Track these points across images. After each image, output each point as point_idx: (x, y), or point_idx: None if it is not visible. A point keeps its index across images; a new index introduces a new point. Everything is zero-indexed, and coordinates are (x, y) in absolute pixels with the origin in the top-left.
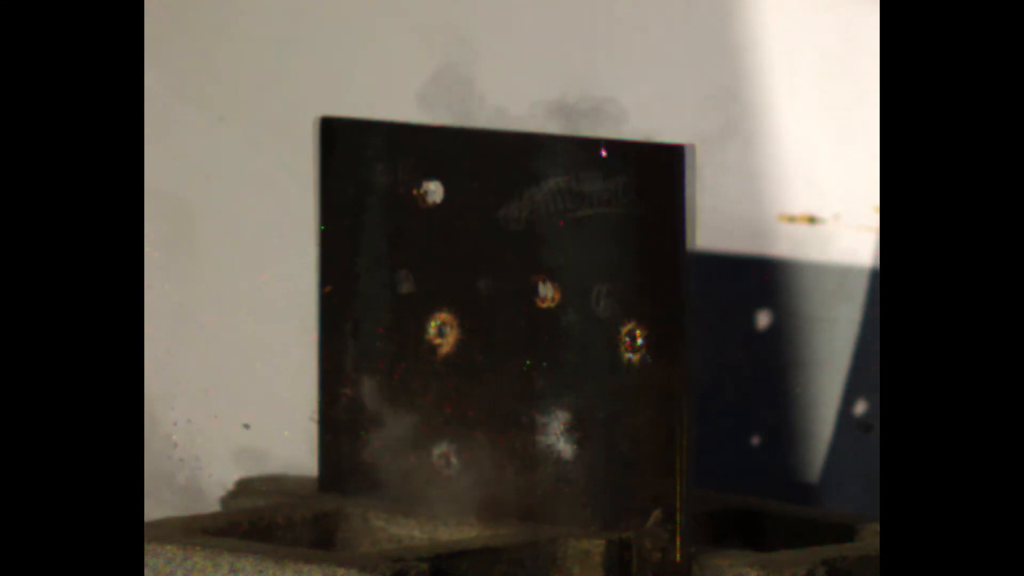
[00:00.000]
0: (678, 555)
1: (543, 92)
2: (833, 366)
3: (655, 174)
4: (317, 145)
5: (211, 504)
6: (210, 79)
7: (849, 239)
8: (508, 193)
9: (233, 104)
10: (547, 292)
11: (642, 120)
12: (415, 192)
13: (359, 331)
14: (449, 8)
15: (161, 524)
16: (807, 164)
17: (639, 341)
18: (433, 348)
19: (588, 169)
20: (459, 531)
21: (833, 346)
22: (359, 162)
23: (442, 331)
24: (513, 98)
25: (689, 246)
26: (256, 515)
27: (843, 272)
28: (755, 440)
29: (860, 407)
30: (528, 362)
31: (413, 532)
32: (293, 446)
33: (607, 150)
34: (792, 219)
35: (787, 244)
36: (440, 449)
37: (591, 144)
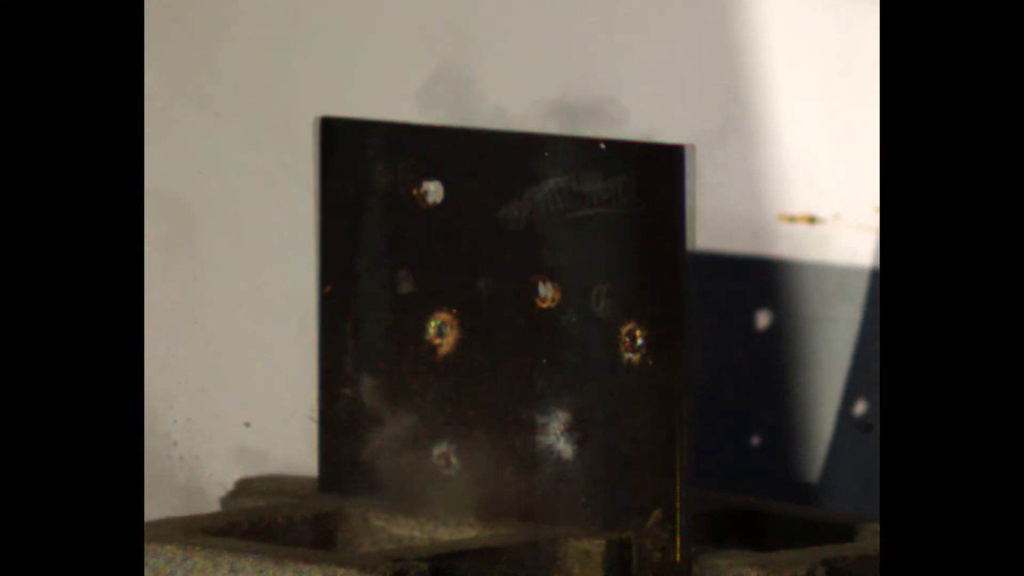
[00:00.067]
0: (678, 555)
1: (543, 92)
2: (833, 366)
3: (655, 174)
4: (317, 145)
5: (211, 504)
6: (210, 79)
7: (849, 239)
8: (508, 193)
9: (233, 104)
10: (547, 292)
11: (642, 120)
12: (415, 192)
13: (359, 331)
14: (449, 8)
15: (161, 524)
16: (807, 164)
17: (639, 341)
18: (433, 348)
19: (588, 169)
20: (459, 531)
21: (833, 346)
22: (359, 162)
23: (442, 331)
24: (513, 98)
25: (689, 246)
26: (256, 515)
27: (843, 272)
28: (755, 440)
29: (860, 407)
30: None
31: (413, 532)
32: (293, 446)
33: (606, 145)
34: (792, 219)
35: (787, 244)
36: (440, 449)
37: (591, 144)
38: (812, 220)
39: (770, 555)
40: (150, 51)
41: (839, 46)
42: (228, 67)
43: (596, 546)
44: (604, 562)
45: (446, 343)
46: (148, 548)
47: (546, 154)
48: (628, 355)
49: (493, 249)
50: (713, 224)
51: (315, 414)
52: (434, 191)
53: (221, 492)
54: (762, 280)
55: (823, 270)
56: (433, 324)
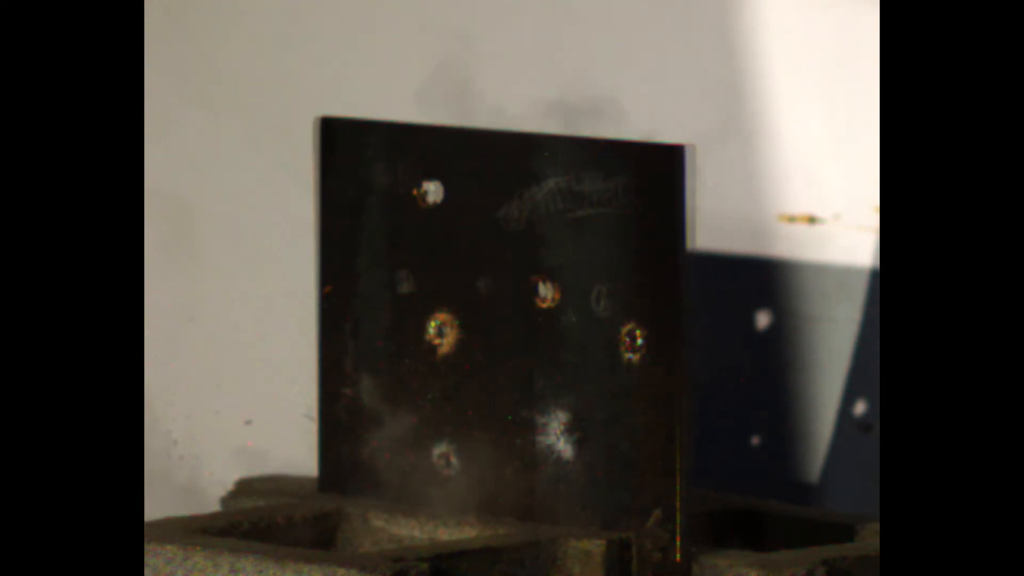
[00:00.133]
0: (678, 555)
1: (543, 91)
2: (833, 366)
3: (655, 174)
4: (317, 145)
5: (211, 504)
6: (210, 79)
7: (849, 239)
8: (508, 193)
9: (233, 104)
10: (547, 292)
11: (642, 120)
12: (415, 192)
13: (359, 331)
14: (448, 7)
15: (161, 524)
16: (807, 164)
17: (639, 341)
18: (433, 348)
19: (588, 169)
20: (459, 531)
21: (833, 346)
22: (359, 162)
23: (442, 331)
24: (512, 97)
25: (688, 246)
26: (256, 515)
27: (843, 272)
28: (755, 440)
29: (860, 407)
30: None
31: (413, 532)
32: (293, 446)
33: (606, 143)
34: (792, 219)
35: (787, 244)
36: (440, 449)
37: (591, 144)
38: (812, 220)
39: (770, 555)
40: (150, 51)
41: (839, 46)
42: (228, 67)
43: (596, 546)
44: (604, 562)
45: (446, 343)
46: (148, 548)
47: (546, 154)
48: (628, 355)
49: (493, 249)
50: (713, 224)
51: (312, 412)
52: (434, 191)
53: (221, 492)
54: (762, 280)
55: (823, 270)
56: (433, 324)
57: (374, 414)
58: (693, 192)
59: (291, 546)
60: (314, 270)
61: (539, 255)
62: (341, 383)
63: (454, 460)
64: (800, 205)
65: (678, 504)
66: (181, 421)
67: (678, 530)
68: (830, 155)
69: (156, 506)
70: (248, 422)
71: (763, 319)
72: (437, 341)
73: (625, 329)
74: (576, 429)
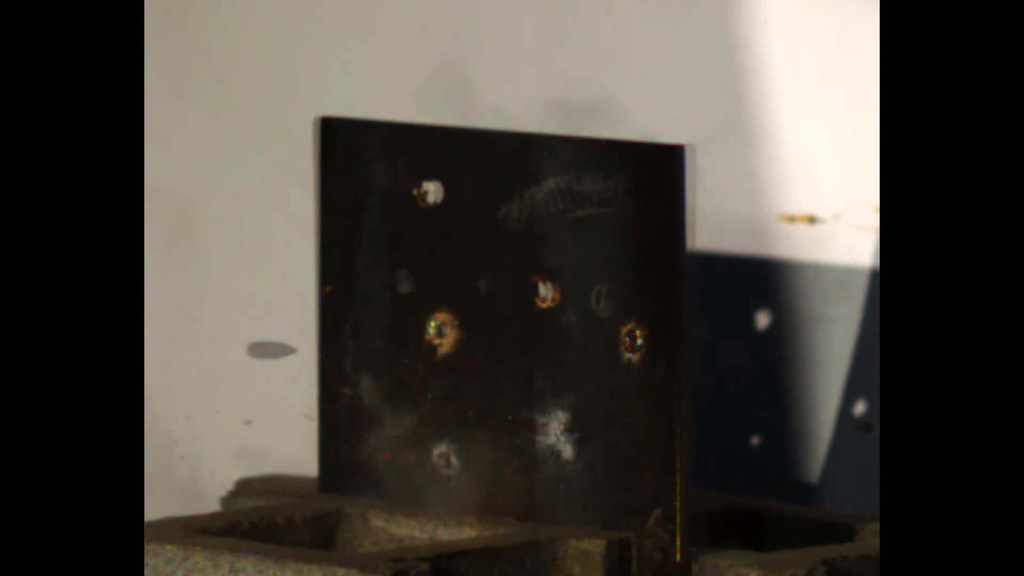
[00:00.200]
0: (678, 555)
1: (542, 91)
2: (833, 366)
3: (654, 174)
4: (317, 145)
5: (211, 504)
6: (210, 79)
7: (849, 239)
8: (508, 193)
9: (233, 104)
10: (547, 292)
11: (642, 120)
12: (414, 192)
13: (359, 331)
14: (448, 7)
15: (161, 524)
16: (807, 164)
17: (639, 341)
18: (433, 348)
19: (588, 169)
20: (459, 531)
21: (833, 346)
22: (359, 162)
23: (442, 331)
24: (512, 97)
25: (688, 246)
26: (256, 515)
27: (843, 272)
28: (755, 440)
29: (860, 407)
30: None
31: (413, 532)
32: (293, 446)
33: (606, 143)
34: (792, 219)
35: (787, 244)
36: (440, 449)
37: (591, 144)
38: (812, 220)
39: (770, 555)
40: (150, 51)
41: (839, 46)
42: (228, 67)
43: (596, 546)
44: (604, 562)
45: (446, 343)
46: (148, 548)
47: (545, 154)
48: (628, 355)
49: (493, 249)
50: (713, 224)
51: (312, 412)
52: (434, 191)
53: (221, 492)
54: (762, 280)
55: (823, 270)
56: (433, 324)
57: (374, 414)
58: (693, 192)
59: (291, 546)
60: (314, 270)
61: (539, 255)
62: (341, 383)
63: (454, 460)
64: (800, 205)
65: (678, 504)
66: (181, 421)
67: (678, 530)
68: (830, 155)
69: (156, 506)
70: (248, 422)
71: (763, 319)
72: (437, 341)
73: (625, 329)
74: (576, 429)
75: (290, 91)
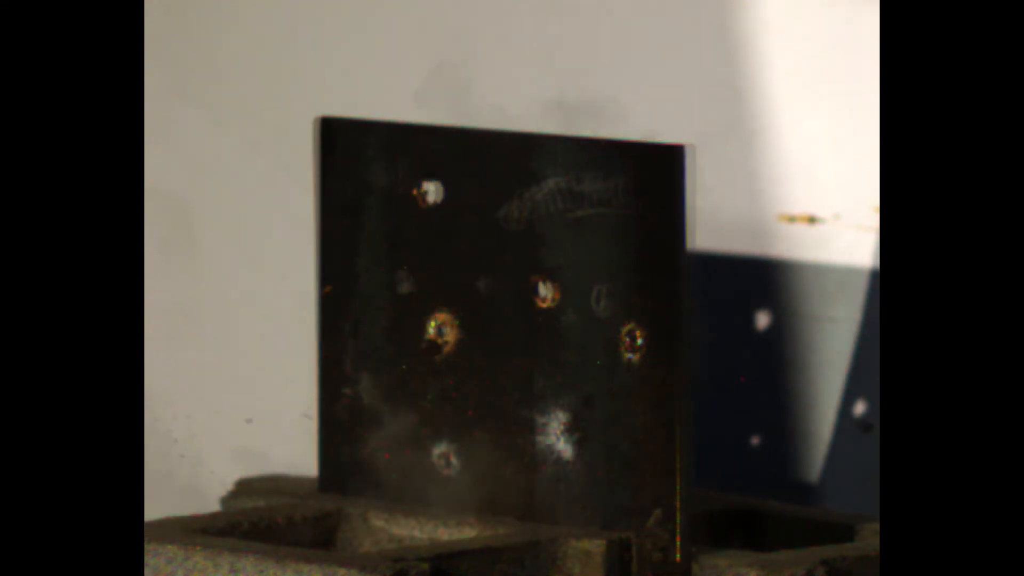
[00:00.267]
0: (678, 555)
1: (542, 91)
2: (833, 366)
3: (654, 174)
4: (317, 145)
5: (211, 504)
6: (210, 79)
7: (849, 239)
8: (508, 193)
9: (233, 104)
10: (547, 292)
11: (642, 120)
12: (414, 192)
13: (359, 331)
14: (448, 7)
15: (161, 524)
16: (807, 164)
17: (639, 341)
18: (433, 348)
19: (588, 169)
20: (459, 531)
21: (833, 346)
22: (358, 162)
23: (442, 331)
24: (512, 97)
25: (688, 246)
26: (256, 515)
27: (843, 272)
28: (755, 440)
29: (860, 407)
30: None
31: (413, 532)
32: (293, 446)
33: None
34: (792, 219)
35: (787, 244)
36: (440, 449)
37: (591, 144)
38: (812, 220)
39: (770, 555)
40: (150, 51)
41: (839, 45)
42: (228, 67)
43: (596, 546)
44: (604, 562)
45: (446, 343)
46: (148, 548)
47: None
48: (628, 355)
49: (493, 249)
50: (713, 224)
51: (311, 411)
52: (434, 191)
53: (221, 492)
54: (762, 280)
55: (823, 270)
56: (433, 324)
57: (374, 414)
58: (693, 192)
59: (291, 546)
60: (314, 270)
61: (539, 255)
62: (341, 383)
63: (454, 460)
64: (800, 205)
65: (678, 504)
66: (181, 421)
67: (678, 530)
68: (830, 155)
69: (156, 506)
70: (248, 421)
71: (763, 319)
72: (438, 341)
73: (625, 329)
74: (576, 429)
75: (290, 91)
